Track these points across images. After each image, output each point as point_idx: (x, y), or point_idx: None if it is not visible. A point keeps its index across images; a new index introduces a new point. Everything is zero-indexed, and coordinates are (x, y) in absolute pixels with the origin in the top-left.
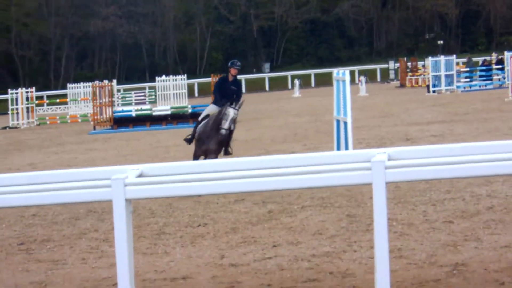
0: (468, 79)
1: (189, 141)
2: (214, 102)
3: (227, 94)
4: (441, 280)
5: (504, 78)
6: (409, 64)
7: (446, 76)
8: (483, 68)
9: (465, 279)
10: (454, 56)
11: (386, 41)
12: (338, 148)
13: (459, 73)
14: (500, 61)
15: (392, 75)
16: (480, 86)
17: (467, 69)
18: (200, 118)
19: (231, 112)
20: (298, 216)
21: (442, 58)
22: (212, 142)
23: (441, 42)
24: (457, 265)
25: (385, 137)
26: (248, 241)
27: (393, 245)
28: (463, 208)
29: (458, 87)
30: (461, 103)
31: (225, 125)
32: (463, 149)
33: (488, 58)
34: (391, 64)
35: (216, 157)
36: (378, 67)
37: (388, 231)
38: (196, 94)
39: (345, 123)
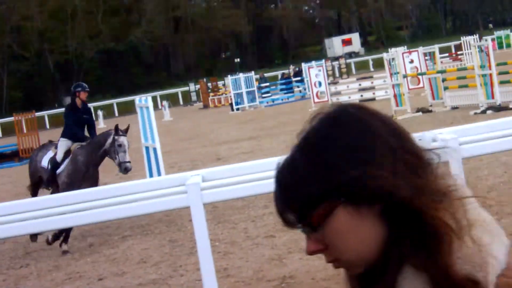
0: (269, 94)
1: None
2: (70, 136)
3: (78, 125)
4: None
5: (304, 89)
6: (209, 84)
7: (248, 92)
8: (283, 81)
9: None
10: (253, 72)
11: (184, 64)
12: (151, 175)
13: (259, 89)
14: (298, 73)
15: (194, 97)
16: (282, 100)
17: (267, 84)
18: (58, 159)
19: (125, 140)
20: (120, 247)
21: (241, 76)
22: (92, 181)
23: (238, 60)
24: (285, 278)
25: (196, 159)
26: (73, 277)
27: (219, 265)
28: None
29: (261, 102)
30: (266, 118)
31: (126, 157)
32: (274, 163)
33: (286, 71)
34: (192, 86)
35: None
36: (179, 90)
37: (212, 251)
38: (0, 135)
39: (154, 149)
